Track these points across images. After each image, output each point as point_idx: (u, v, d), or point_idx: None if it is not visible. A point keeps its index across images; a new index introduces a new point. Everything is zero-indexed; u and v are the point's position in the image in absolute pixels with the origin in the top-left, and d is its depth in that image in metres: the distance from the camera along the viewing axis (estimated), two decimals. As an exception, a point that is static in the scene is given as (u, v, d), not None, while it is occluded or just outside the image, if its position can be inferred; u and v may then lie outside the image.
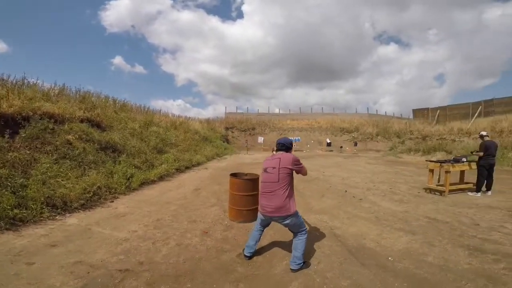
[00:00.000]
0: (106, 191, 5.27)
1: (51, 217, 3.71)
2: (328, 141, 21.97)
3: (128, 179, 6.27)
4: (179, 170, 9.18)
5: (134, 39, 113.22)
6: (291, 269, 2.54)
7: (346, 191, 6.55)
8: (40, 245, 2.84)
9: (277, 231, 3.58)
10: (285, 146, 2.72)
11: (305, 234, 2.65)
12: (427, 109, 22.22)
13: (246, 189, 4.06)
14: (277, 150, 2.77)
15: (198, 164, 11.42)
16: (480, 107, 17.26)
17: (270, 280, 2.34)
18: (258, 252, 2.88)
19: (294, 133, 24.60)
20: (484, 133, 6.36)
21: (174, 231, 3.52)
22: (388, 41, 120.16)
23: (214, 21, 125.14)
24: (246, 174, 4.74)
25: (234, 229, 3.70)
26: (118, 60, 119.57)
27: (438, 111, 20.75)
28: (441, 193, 6.09)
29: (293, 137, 23.34)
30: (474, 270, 2.51)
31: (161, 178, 7.55)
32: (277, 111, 33.39)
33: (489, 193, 6.01)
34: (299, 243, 2.60)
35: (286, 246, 3.14)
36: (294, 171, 2.62)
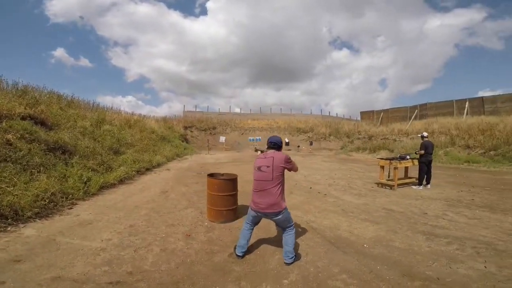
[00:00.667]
0: (62, 197, 4.71)
1: (2, 229, 3.18)
2: (287, 140, 22.89)
3: (85, 183, 5.69)
4: (140, 172, 8.62)
5: (82, 30, 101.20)
6: (285, 263, 2.67)
7: (311, 187, 6.97)
8: (1, 261, 2.42)
9: (260, 229, 3.66)
10: (276, 145, 2.85)
11: (293, 228, 2.80)
12: (373, 111, 24.80)
13: (226, 189, 4.06)
14: (268, 149, 2.86)
15: (159, 165, 10.88)
16: (416, 110, 19.98)
17: (269, 275, 2.42)
18: (247, 250, 2.93)
19: (255, 132, 24.99)
20: (425, 134, 7.39)
21: (154, 237, 3.35)
22: (341, 46, 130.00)
23: (174, 16, 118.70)
24: (222, 174, 4.72)
25: (216, 230, 3.67)
26: (59, 52, 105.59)
27: (382, 113, 23.36)
28: (391, 187, 6.90)
29: (254, 136, 23.73)
30: (435, 252, 2.96)
31: (121, 181, 7.01)
32: (237, 110, 33.55)
33: (429, 186, 7.02)
34: (289, 237, 2.74)
35: (272, 241, 3.26)
36: (286, 169, 2.73)
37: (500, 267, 2.53)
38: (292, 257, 2.70)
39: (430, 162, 7.09)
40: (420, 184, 7.00)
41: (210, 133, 24.52)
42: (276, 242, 3.24)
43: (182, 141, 20.33)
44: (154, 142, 14.35)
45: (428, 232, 3.61)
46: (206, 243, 3.18)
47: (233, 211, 4.17)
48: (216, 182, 4.08)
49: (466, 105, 16.68)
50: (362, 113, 26.03)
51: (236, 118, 28.32)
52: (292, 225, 2.81)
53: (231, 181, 4.16)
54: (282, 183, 2.70)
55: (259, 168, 2.71)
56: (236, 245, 2.87)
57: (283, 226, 2.77)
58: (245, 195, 5.18)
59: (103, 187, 6.05)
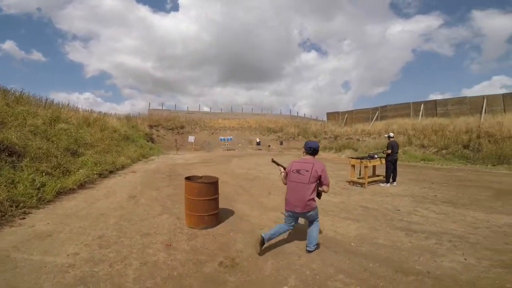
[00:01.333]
0: (11, 206, 4.05)
1: None
2: (258, 140, 22.95)
3: (39, 189, 5.00)
4: (102, 176, 7.85)
5: (37, 23, 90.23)
6: (308, 250, 2.94)
7: (288, 187, 6.98)
8: None
9: (247, 233, 3.52)
10: (315, 150, 3.03)
11: (318, 220, 3.05)
12: (338, 112, 26.04)
13: (207, 193, 3.81)
14: (306, 154, 3.02)
15: (123, 167, 10.07)
16: (378, 112, 21.42)
17: (266, 282, 2.29)
18: (239, 257, 2.76)
19: (226, 132, 24.63)
20: (391, 134, 7.85)
21: (130, 249, 3.00)
22: (310, 49, 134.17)
23: (143, 11, 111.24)
24: (201, 177, 4.45)
25: (199, 237, 3.42)
26: (8, 45, 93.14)
27: (346, 114, 24.63)
28: (361, 184, 7.21)
29: (225, 136, 23.37)
30: (417, 247, 3.11)
31: (81, 186, 6.31)
32: (206, 109, 32.73)
33: (395, 183, 7.47)
34: (315, 227, 3.01)
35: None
36: (319, 180, 2.86)
37: (478, 258, 2.73)
38: (315, 244, 2.97)
39: (396, 160, 7.55)
40: (387, 181, 7.41)
41: (178, 132, 23.56)
42: (267, 247, 3.12)
43: (148, 141, 19.20)
44: (116, 142, 13.34)
45: (406, 228, 3.79)
46: (191, 252, 2.93)
47: (215, 216, 3.95)
48: (196, 186, 3.81)
49: (421, 108, 18.36)
50: (328, 114, 27.23)
51: (205, 117, 27.63)
52: (318, 217, 3.05)
53: (212, 185, 3.91)
54: (316, 187, 2.86)
55: (297, 171, 2.87)
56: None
57: (311, 220, 3.00)
58: (221, 197, 4.97)
59: (61, 193, 5.38)
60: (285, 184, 3.05)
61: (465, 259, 2.73)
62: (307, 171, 2.81)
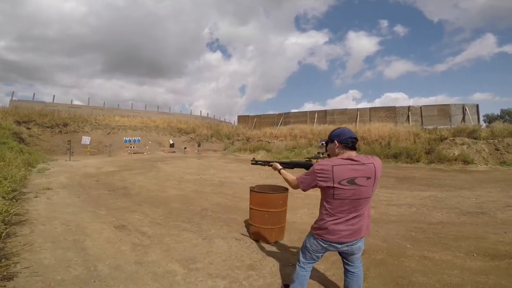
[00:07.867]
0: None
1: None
2: (171, 142, 21.27)
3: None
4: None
5: None
6: None
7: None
8: None
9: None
10: (357, 141, 1.81)
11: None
12: (248, 116, 28.13)
13: (286, 202, 3.86)
14: (346, 149, 1.75)
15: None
16: (282, 117, 24.82)
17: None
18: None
19: (127, 132, 21.29)
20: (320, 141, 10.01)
21: None
22: (216, 49, 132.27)
23: None
24: (254, 188, 4.28)
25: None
26: None
27: (255, 118, 26.99)
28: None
29: (127, 137, 20.25)
30: (415, 212, 4.56)
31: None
32: (78, 103, 26.66)
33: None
34: (362, 271, 1.96)
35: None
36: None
37: (446, 213, 4.38)
38: None
39: (333, 160, 9.67)
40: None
41: (61, 131, 18.34)
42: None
43: (19, 143, 14.05)
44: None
45: (395, 204, 5.19)
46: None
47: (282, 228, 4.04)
48: (281, 196, 3.75)
49: (315, 116, 23.00)
50: (239, 116, 29.05)
51: (96, 113, 22.72)
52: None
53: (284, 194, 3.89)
54: None
55: (354, 181, 1.64)
56: None
57: (357, 256, 1.88)
58: (236, 208, 4.86)
59: None
60: (295, 188, 1.89)
61: (441, 214, 4.46)
62: (368, 178, 1.68)
